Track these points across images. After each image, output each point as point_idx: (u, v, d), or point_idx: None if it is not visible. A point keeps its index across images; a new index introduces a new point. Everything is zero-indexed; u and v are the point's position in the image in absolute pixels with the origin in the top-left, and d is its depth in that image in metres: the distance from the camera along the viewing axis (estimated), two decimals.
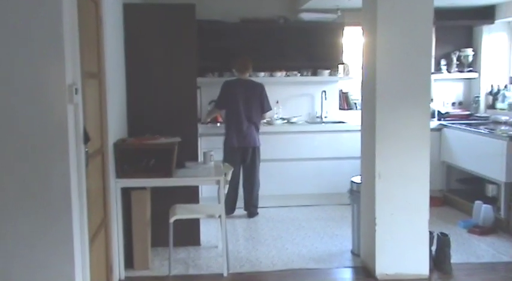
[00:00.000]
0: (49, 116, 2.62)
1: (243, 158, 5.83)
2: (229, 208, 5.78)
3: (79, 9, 2.89)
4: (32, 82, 2.60)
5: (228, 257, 4.38)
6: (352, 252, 4.73)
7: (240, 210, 5.98)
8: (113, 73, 4.02)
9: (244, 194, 5.96)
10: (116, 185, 4.06)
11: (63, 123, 2.64)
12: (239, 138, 5.76)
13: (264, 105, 5.87)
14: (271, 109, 6.03)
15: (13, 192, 2.65)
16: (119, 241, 4.11)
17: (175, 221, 4.22)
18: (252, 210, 5.93)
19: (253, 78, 6.09)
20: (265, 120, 6.22)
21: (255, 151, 5.86)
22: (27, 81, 2.59)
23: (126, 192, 4.29)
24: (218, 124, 6.37)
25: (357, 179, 4.60)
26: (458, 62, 6.81)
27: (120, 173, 4.11)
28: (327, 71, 6.64)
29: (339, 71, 6.68)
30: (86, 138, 2.95)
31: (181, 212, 4.30)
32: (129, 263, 4.33)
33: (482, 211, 5.30)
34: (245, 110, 5.76)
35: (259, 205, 6.02)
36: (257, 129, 5.88)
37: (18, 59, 2.59)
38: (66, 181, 2.67)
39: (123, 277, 4.19)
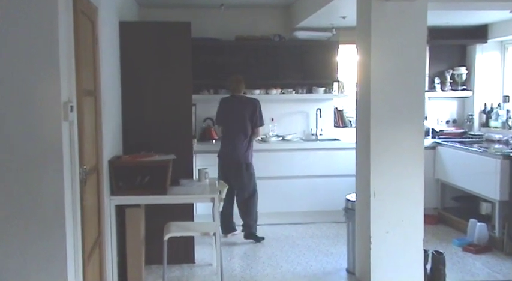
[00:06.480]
0: (44, 133, 2.63)
1: (235, 174, 5.65)
2: (226, 226, 5.69)
3: (75, 27, 2.92)
4: (27, 99, 2.60)
5: (223, 275, 4.36)
6: (347, 270, 4.71)
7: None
8: (109, 90, 4.03)
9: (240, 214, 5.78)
10: (110, 203, 4.05)
11: (57, 140, 2.64)
12: (231, 153, 5.65)
13: (256, 122, 5.69)
14: (263, 125, 5.80)
15: (5, 209, 2.63)
16: (112, 259, 4.08)
17: (170, 238, 4.20)
18: (246, 231, 5.74)
19: (249, 96, 6.07)
20: (259, 137, 6.13)
21: (245, 167, 5.66)
22: (22, 98, 2.60)
23: (120, 209, 4.28)
24: (213, 141, 6.38)
25: (352, 197, 4.60)
26: (452, 81, 6.86)
27: (115, 190, 4.10)
28: (322, 89, 6.67)
29: (333, 89, 6.71)
30: None
31: (176, 230, 4.28)
32: None
33: (477, 229, 5.30)
34: (238, 126, 5.64)
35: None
36: (249, 145, 5.69)
37: (14, 77, 2.59)
38: (60, 198, 2.66)
39: None
